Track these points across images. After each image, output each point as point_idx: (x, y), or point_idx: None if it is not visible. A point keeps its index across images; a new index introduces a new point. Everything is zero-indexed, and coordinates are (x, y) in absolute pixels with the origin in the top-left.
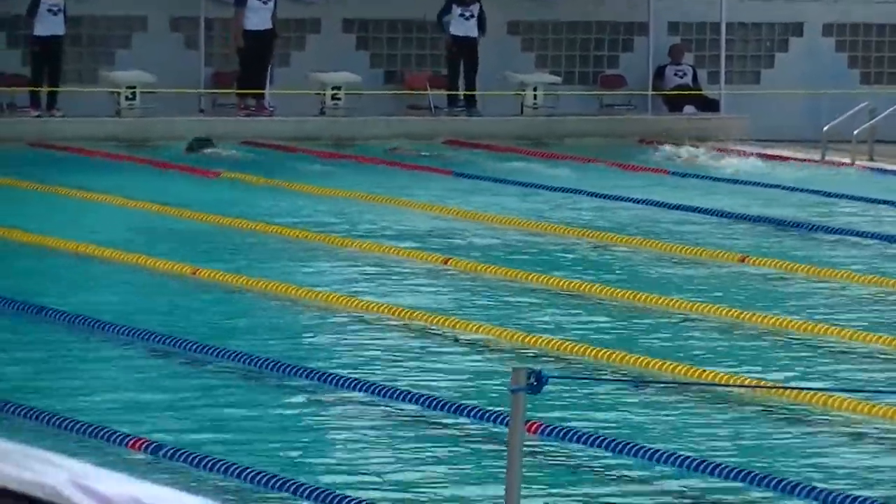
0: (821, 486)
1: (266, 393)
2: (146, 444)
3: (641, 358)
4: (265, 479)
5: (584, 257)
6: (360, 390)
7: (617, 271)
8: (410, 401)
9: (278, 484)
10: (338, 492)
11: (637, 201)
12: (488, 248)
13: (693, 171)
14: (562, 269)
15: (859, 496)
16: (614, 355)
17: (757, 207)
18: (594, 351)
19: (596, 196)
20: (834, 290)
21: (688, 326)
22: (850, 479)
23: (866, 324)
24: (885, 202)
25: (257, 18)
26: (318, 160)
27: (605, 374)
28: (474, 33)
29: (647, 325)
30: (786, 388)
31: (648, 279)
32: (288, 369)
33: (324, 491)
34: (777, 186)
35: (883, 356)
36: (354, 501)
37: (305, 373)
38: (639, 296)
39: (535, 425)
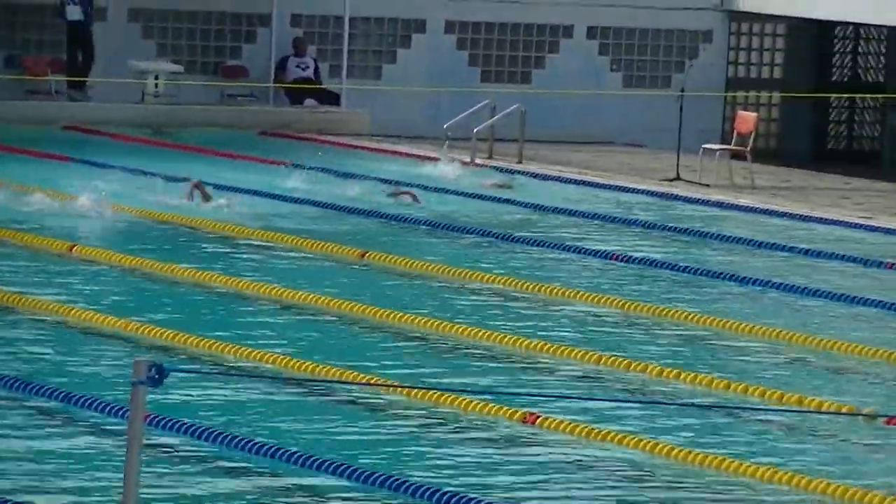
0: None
1: None
2: None
3: (264, 353)
4: None
5: (211, 248)
6: None
7: (245, 263)
8: (36, 393)
9: None
10: None
11: (263, 195)
12: (113, 236)
13: (316, 164)
14: (190, 260)
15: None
16: (240, 350)
17: (378, 203)
18: (222, 346)
19: (227, 189)
20: (450, 288)
21: (310, 321)
22: (429, 471)
23: (485, 321)
24: (502, 200)
25: None
26: None
27: (230, 369)
28: (82, 17)
29: (281, 321)
30: (410, 387)
31: (278, 273)
32: None
33: None
34: (399, 183)
35: (498, 356)
36: None
37: None
38: (263, 287)
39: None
